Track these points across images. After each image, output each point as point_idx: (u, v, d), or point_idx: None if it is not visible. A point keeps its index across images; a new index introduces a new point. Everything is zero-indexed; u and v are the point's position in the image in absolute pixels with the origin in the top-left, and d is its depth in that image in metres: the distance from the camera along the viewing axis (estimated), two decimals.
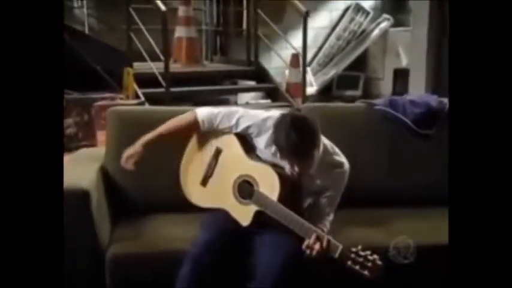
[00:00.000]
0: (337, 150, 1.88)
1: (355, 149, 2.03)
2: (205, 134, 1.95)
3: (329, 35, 6.31)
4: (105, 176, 2.13)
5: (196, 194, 1.93)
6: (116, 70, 3.92)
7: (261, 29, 5.00)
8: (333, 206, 1.85)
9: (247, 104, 5.20)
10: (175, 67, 4.89)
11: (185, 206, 1.96)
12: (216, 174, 1.89)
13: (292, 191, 1.78)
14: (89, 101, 3.71)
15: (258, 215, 1.74)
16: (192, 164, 1.96)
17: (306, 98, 4.52)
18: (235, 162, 1.85)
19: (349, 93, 6.23)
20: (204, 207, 1.90)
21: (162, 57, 3.82)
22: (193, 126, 1.95)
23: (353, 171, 1.89)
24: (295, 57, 5.17)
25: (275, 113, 1.83)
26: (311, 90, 5.61)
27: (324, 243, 1.61)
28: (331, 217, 1.84)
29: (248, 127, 1.86)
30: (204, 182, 1.91)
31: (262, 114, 1.87)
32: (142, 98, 3.85)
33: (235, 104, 5.34)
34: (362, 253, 1.58)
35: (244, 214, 1.77)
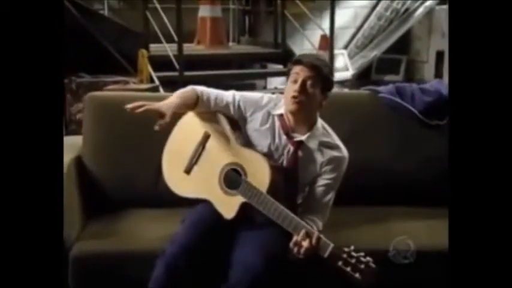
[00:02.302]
0: (336, 136, 1.79)
1: (355, 141, 1.88)
2: (193, 117, 1.81)
3: (369, 14, 5.98)
4: (80, 166, 2.03)
5: (178, 182, 1.80)
6: (132, 52, 3.80)
7: (294, 8, 4.75)
8: (328, 200, 1.73)
9: (275, 89, 4.97)
10: (198, 49, 4.73)
11: (166, 201, 1.84)
12: (201, 162, 1.75)
13: (284, 183, 1.67)
14: (101, 84, 3.65)
15: (244, 208, 1.63)
16: (177, 150, 1.83)
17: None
18: (224, 148, 1.73)
19: (389, 77, 5.87)
20: (185, 196, 1.78)
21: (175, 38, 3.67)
22: (190, 101, 1.76)
23: (353, 164, 1.76)
24: (323, 39, 4.88)
25: (269, 95, 1.83)
26: (345, 75, 5.30)
27: (314, 241, 1.51)
28: (325, 216, 1.72)
29: (245, 103, 1.78)
30: (188, 170, 1.77)
31: (256, 94, 1.85)
32: (157, 82, 3.71)
33: (263, 89, 5.13)
34: (355, 254, 1.47)
35: (228, 206, 1.65)
